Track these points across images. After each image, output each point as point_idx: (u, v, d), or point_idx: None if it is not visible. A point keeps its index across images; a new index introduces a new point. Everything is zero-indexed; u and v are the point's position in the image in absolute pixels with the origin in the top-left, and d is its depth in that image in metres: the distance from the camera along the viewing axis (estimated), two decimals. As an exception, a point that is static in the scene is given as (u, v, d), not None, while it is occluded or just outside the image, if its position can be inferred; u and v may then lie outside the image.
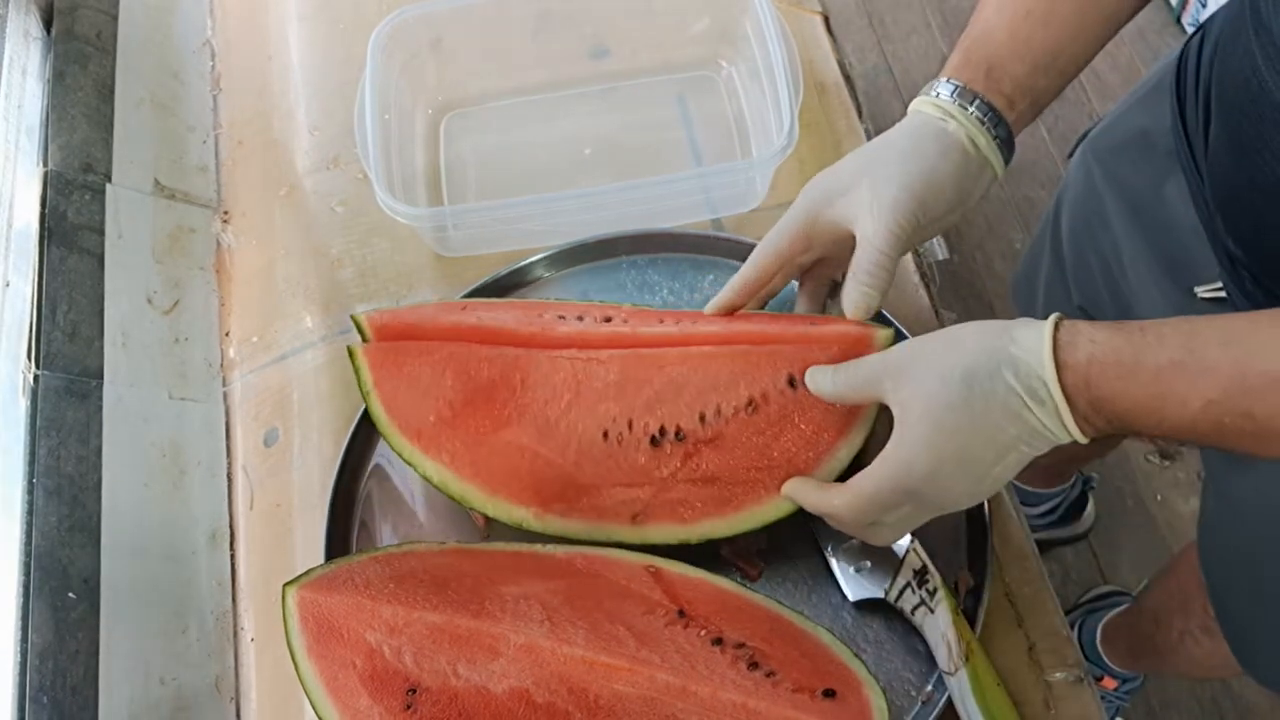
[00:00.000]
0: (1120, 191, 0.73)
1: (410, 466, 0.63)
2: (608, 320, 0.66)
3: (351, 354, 0.64)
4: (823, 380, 0.57)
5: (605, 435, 0.61)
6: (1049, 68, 0.58)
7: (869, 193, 0.56)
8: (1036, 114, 0.60)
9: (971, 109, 0.57)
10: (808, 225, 0.59)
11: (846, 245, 0.58)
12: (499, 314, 0.67)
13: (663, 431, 0.61)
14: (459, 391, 0.62)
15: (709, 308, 0.64)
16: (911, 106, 0.60)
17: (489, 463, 0.62)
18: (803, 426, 0.60)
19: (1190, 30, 1.81)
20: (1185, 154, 0.64)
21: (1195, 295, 0.66)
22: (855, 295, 0.56)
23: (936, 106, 0.58)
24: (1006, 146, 0.59)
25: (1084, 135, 0.83)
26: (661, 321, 0.65)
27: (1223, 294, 0.63)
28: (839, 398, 0.56)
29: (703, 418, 0.60)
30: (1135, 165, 0.71)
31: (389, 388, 0.63)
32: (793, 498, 0.58)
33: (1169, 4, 1.90)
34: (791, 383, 0.60)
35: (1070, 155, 0.86)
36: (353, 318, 0.67)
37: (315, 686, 0.56)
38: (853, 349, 0.59)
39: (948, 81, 0.58)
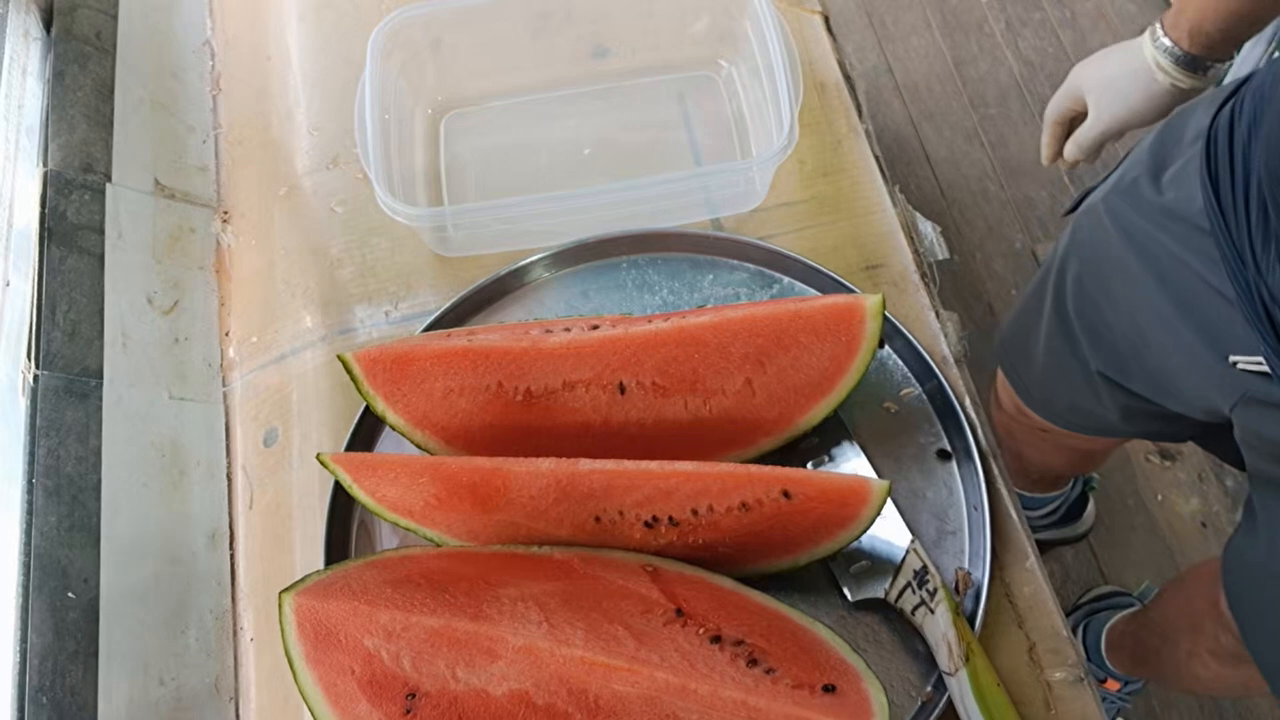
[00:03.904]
0: (1146, 258, 0.72)
1: (408, 532, 0.64)
2: (595, 328, 0.65)
3: (326, 461, 0.65)
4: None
5: (598, 519, 0.60)
6: (1240, 23, 0.73)
7: (1099, 98, 0.83)
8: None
9: (1179, 66, 0.76)
10: (1072, 98, 0.87)
11: (1083, 111, 0.87)
12: (486, 336, 0.66)
13: (655, 519, 0.60)
14: (440, 494, 0.62)
15: (1045, 158, 0.94)
16: (1142, 45, 0.79)
17: (483, 533, 0.62)
18: (801, 520, 0.59)
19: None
20: (1223, 234, 0.63)
21: (1232, 364, 0.65)
22: (1072, 149, 0.89)
23: (1156, 63, 0.78)
24: (1204, 75, 0.78)
25: (1085, 194, 0.83)
26: (650, 321, 0.65)
27: (1265, 368, 0.62)
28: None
29: (695, 512, 0.59)
30: (1163, 237, 0.70)
31: (369, 485, 0.63)
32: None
33: (1168, 4, 1.89)
34: (786, 495, 0.58)
35: (1069, 212, 0.86)
36: (340, 358, 0.66)
37: (314, 693, 0.56)
38: (842, 317, 0.63)
39: (1171, 46, 0.77)
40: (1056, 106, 0.89)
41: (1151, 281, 0.71)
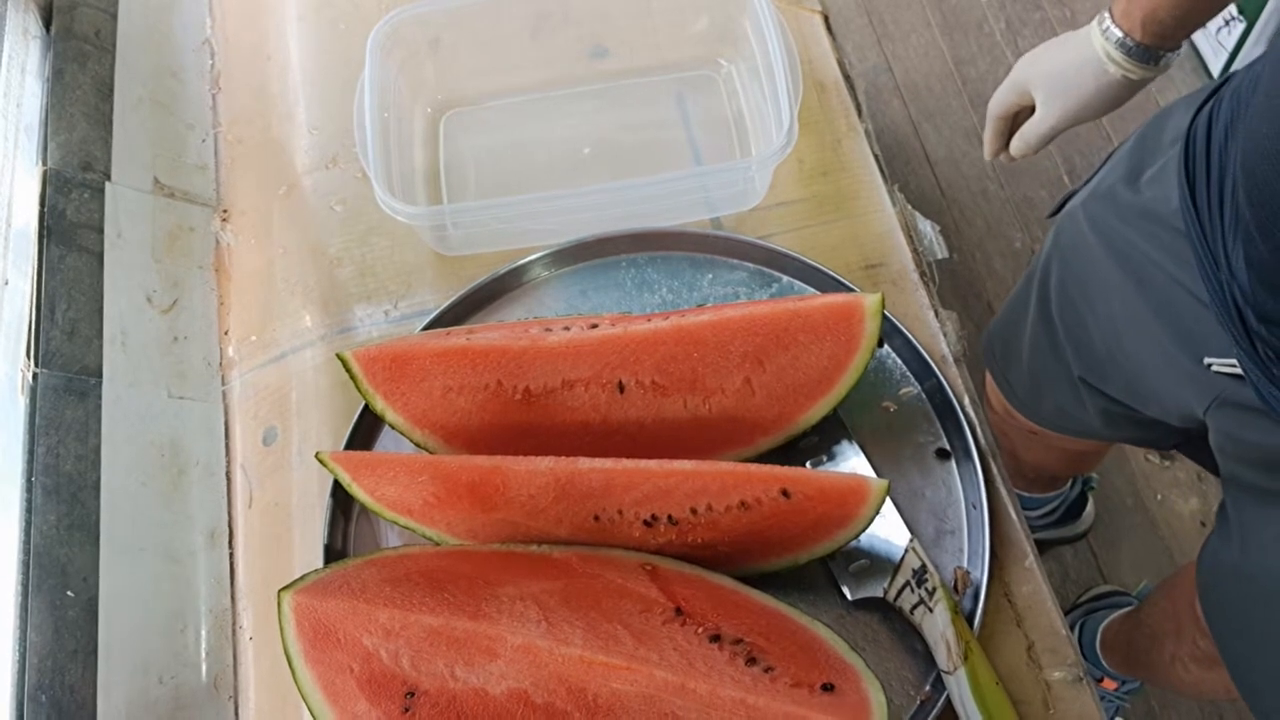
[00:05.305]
0: (1123, 262, 0.72)
1: (408, 531, 0.65)
2: (594, 327, 0.65)
3: (325, 460, 0.66)
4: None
5: (596, 518, 0.60)
6: (1194, 9, 0.71)
7: (1048, 92, 0.80)
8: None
9: (1131, 57, 0.73)
10: (1018, 93, 0.83)
11: (1029, 106, 0.84)
12: (485, 334, 0.66)
13: (654, 518, 0.60)
14: (439, 492, 0.62)
15: (987, 154, 0.90)
16: (1091, 35, 0.75)
17: (482, 532, 0.62)
18: (800, 519, 0.59)
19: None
20: (1198, 236, 0.63)
21: (1207, 366, 0.64)
22: (1019, 144, 0.85)
23: (1107, 54, 0.74)
24: (1156, 65, 0.75)
25: (1069, 195, 0.82)
26: (649, 320, 0.65)
27: (1238, 370, 0.62)
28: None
29: (694, 511, 0.59)
30: (1140, 239, 0.70)
31: (369, 484, 0.63)
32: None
33: None
34: (785, 494, 0.58)
35: (1053, 214, 0.85)
36: (339, 356, 0.66)
37: (313, 692, 0.56)
38: (841, 316, 0.63)
39: (1122, 37, 0.73)
40: (1001, 101, 0.86)
41: (1129, 286, 0.72)
